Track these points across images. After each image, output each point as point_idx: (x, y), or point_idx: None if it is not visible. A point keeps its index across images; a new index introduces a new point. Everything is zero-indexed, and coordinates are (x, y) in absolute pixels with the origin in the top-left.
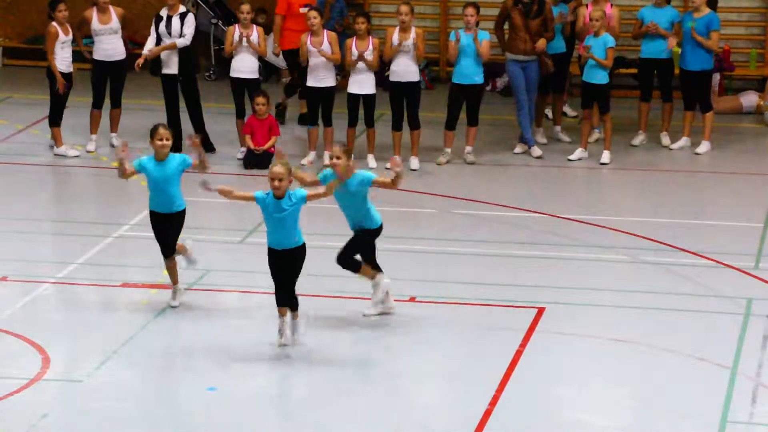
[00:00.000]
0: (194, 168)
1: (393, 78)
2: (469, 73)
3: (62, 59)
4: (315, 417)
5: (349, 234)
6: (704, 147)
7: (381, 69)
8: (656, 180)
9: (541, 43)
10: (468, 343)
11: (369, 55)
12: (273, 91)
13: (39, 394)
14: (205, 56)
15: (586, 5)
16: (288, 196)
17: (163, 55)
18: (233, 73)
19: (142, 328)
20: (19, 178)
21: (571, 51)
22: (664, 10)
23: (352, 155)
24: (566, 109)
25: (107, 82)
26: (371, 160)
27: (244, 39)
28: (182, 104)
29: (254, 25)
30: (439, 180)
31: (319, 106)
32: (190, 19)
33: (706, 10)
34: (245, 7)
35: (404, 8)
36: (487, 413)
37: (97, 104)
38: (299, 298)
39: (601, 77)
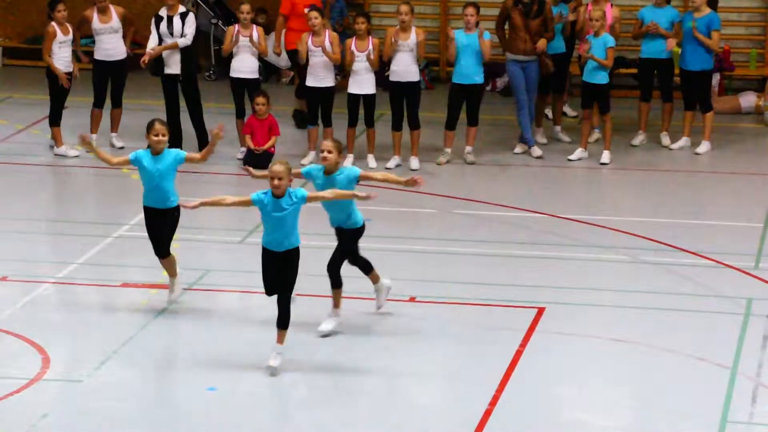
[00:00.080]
0: (191, 161)
1: (393, 78)
2: (470, 73)
3: (61, 59)
4: (315, 417)
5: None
6: (704, 147)
7: (381, 69)
8: (656, 180)
9: (542, 43)
10: (468, 343)
11: (371, 54)
12: (273, 91)
13: (39, 394)
14: (205, 56)
15: (587, 5)
16: (288, 195)
17: (165, 55)
18: (233, 73)
19: (142, 328)
20: (19, 178)
21: (571, 51)
22: (664, 10)
23: (343, 151)
24: (566, 109)
25: (108, 82)
26: (371, 160)
27: (241, 38)
28: (182, 104)
29: (254, 25)
30: (439, 180)
31: (318, 106)
32: (191, 18)
33: (707, 10)
34: (245, 7)
35: (404, 8)
36: (487, 413)
37: (98, 103)
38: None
39: (601, 77)
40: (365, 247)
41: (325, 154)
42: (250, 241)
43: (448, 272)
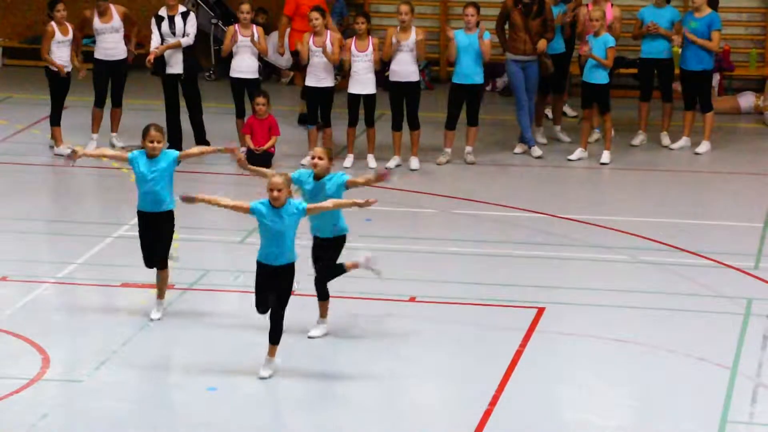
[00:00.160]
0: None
1: (393, 78)
2: (469, 73)
3: (59, 59)
4: (315, 417)
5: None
6: (704, 147)
7: (381, 69)
8: (656, 180)
9: (542, 43)
10: (468, 343)
11: (370, 55)
12: (273, 91)
13: (39, 394)
14: (205, 56)
15: (587, 5)
16: (287, 207)
17: (167, 54)
18: (233, 73)
19: (141, 329)
20: (19, 178)
21: (570, 51)
22: (665, 10)
23: (332, 157)
24: (566, 109)
25: (108, 81)
26: (371, 160)
27: (241, 38)
28: (182, 104)
29: (254, 25)
30: (439, 180)
31: (318, 106)
32: (193, 18)
33: (708, 10)
34: (245, 7)
35: (404, 8)
36: (487, 413)
37: (98, 103)
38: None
39: (601, 77)
40: (365, 247)
41: (316, 160)
42: (250, 241)
43: (448, 272)
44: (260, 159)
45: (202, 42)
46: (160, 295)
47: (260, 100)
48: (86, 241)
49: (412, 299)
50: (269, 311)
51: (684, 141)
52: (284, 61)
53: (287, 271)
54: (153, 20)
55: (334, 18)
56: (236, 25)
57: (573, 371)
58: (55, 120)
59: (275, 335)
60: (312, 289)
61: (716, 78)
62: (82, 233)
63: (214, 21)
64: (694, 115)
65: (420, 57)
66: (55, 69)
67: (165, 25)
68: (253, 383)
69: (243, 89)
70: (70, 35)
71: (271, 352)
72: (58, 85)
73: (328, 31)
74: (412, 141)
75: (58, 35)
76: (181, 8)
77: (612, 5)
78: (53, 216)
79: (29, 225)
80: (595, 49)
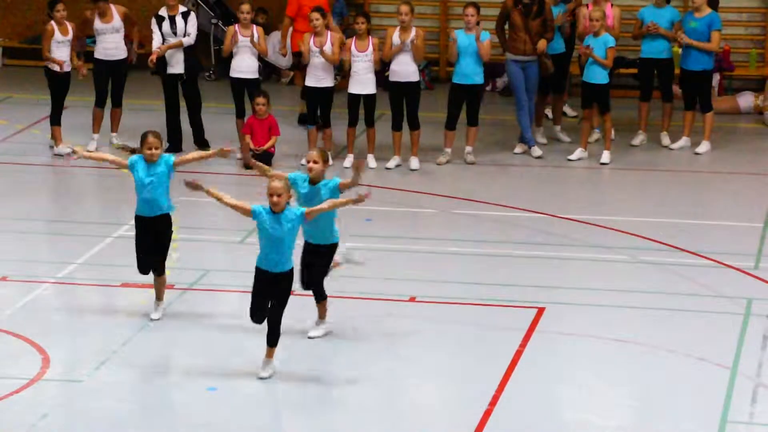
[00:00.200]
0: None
1: (393, 78)
2: (470, 73)
3: (59, 58)
4: (315, 417)
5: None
6: (704, 147)
7: (381, 69)
8: (656, 180)
9: (542, 44)
10: (468, 343)
11: (370, 55)
12: (273, 91)
13: (39, 394)
14: (205, 56)
15: (587, 5)
16: (287, 213)
17: (168, 54)
18: (233, 73)
19: (141, 329)
20: (19, 178)
21: (570, 51)
22: (664, 10)
23: (329, 160)
24: (566, 109)
25: (109, 81)
26: (371, 160)
27: (241, 37)
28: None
29: (254, 25)
30: (439, 180)
31: (317, 107)
32: (193, 17)
33: (708, 10)
34: (245, 7)
35: (404, 8)
36: (487, 413)
37: (99, 103)
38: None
39: (601, 77)
40: (366, 247)
41: (311, 164)
42: (250, 241)
43: (448, 272)
44: (260, 159)
45: (202, 42)
46: (159, 297)
47: (260, 100)
48: (86, 241)
49: (412, 299)
50: (267, 316)
51: (684, 141)
52: (284, 61)
53: (286, 278)
54: (153, 20)
55: (334, 18)
56: (236, 25)
57: (573, 371)
58: (54, 120)
59: (273, 338)
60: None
61: (716, 78)
62: (82, 233)
63: (214, 21)
64: (694, 115)
65: (418, 58)
66: (56, 68)
67: (166, 25)
68: (253, 383)
69: (243, 89)
70: (70, 35)
71: (269, 354)
72: (58, 85)
73: (329, 32)
74: (412, 141)
75: (57, 35)
76: (182, 8)
77: (612, 5)
78: (53, 216)
79: (29, 225)
80: (594, 49)
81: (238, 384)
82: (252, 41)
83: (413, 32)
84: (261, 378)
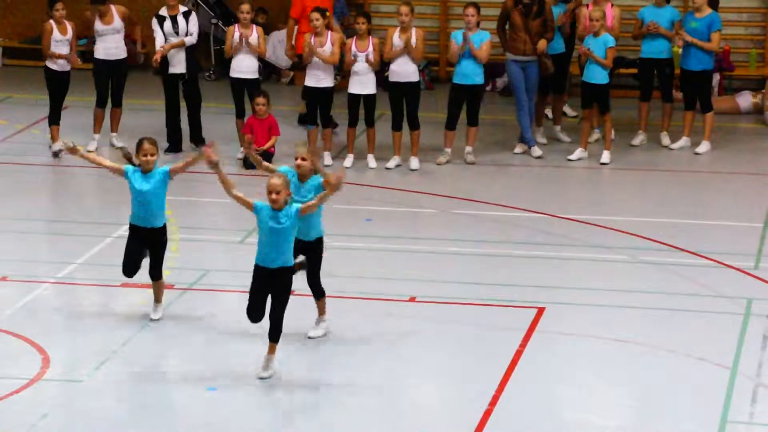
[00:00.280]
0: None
1: (393, 78)
2: (470, 73)
3: (55, 61)
4: (314, 417)
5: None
6: (704, 147)
7: (381, 69)
8: (656, 180)
9: (542, 44)
10: (468, 343)
11: (370, 55)
12: (273, 91)
13: (39, 394)
14: (205, 56)
15: (587, 5)
16: (286, 210)
17: (169, 54)
18: (233, 73)
19: (141, 329)
20: (18, 178)
21: (570, 51)
22: (665, 9)
23: (320, 157)
24: (566, 109)
25: (109, 81)
26: (371, 160)
27: (244, 40)
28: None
29: (254, 25)
30: (439, 180)
31: (317, 107)
32: (194, 17)
33: (708, 10)
34: (245, 7)
35: (404, 8)
36: (487, 413)
37: (100, 103)
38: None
39: (601, 77)
40: (366, 247)
41: (299, 161)
42: (250, 241)
43: (448, 272)
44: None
45: (202, 42)
46: (158, 300)
47: (260, 100)
48: (86, 241)
49: (412, 299)
50: (269, 311)
51: (684, 141)
52: (284, 61)
53: (284, 274)
54: (155, 20)
55: (334, 18)
56: (236, 25)
57: (573, 371)
58: (53, 119)
59: (275, 334)
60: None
61: (716, 78)
62: (81, 233)
63: (214, 21)
64: (694, 115)
65: (418, 58)
66: (59, 62)
67: (168, 24)
68: (253, 384)
69: (243, 89)
70: (69, 34)
71: (271, 350)
72: (57, 84)
73: (329, 32)
74: (412, 141)
75: (56, 34)
76: (182, 8)
77: (612, 5)
78: (53, 216)
79: (29, 225)
80: (594, 49)
81: (237, 384)
82: (248, 43)
83: (413, 33)
84: (261, 378)
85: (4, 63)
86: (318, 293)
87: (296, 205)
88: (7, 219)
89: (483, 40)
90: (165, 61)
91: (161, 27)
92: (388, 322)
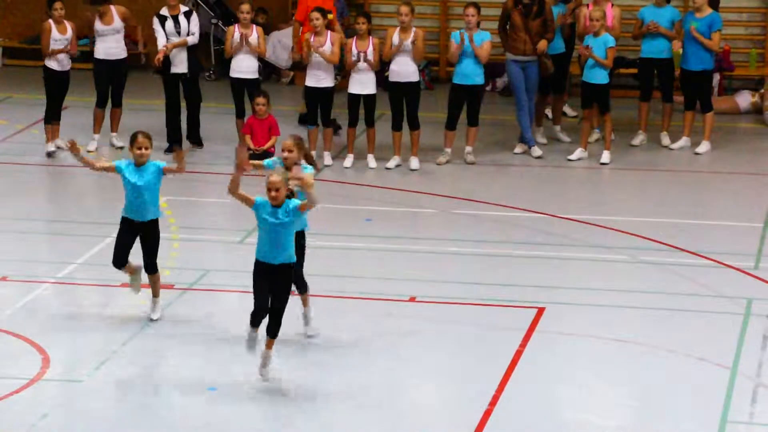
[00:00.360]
0: (170, 171)
1: (393, 78)
2: (470, 73)
3: (58, 58)
4: (315, 417)
5: (350, 235)
6: (704, 147)
7: (381, 69)
8: (656, 180)
9: (542, 44)
10: (468, 343)
11: (369, 55)
12: (273, 91)
13: (39, 394)
14: (205, 56)
15: (587, 5)
16: (286, 206)
17: (171, 54)
18: (233, 73)
19: (141, 329)
20: (18, 178)
21: (570, 51)
22: (665, 9)
23: (305, 149)
24: (566, 109)
25: (109, 81)
26: (371, 160)
27: (244, 40)
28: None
29: (254, 25)
30: (439, 180)
31: (317, 107)
32: (196, 17)
33: (708, 10)
34: (245, 7)
35: (404, 8)
36: (487, 413)
37: (100, 103)
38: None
39: (601, 77)
40: (366, 247)
41: (286, 154)
42: (250, 241)
43: (448, 272)
44: (260, 159)
45: (202, 42)
46: (155, 294)
47: (260, 100)
48: (86, 241)
49: (412, 299)
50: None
51: (684, 141)
52: (284, 61)
53: (285, 271)
54: (156, 20)
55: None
56: (236, 25)
57: (573, 371)
58: (48, 119)
59: (274, 330)
60: (312, 289)
61: (716, 78)
62: (81, 233)
63: (214, 21)
64: (694, 115)
65: (419, 58)
66: (55, 67)
67: (169, 24)
68: (254, 384)
69: (243, 89)
70: (69, 34)
71: (269, 345)
72: (56, 84)
73: (329, 32)
74: (412, 141)
75: (55, 33)
76: (183, 8)
77: (612, 5)
78: (53, 216)
79: (29, 225)
80: (594, 49)
81: (238, 384)
82: (248, 43)
83: (413, 33)
84: (261, 377)
85: (4, 63)
86: (302, 287)
87: (295, 201)
88: (7, 219)
89: (483, 40)
90: (167, 61)
91: (163, 27)
92: (388, 322)
